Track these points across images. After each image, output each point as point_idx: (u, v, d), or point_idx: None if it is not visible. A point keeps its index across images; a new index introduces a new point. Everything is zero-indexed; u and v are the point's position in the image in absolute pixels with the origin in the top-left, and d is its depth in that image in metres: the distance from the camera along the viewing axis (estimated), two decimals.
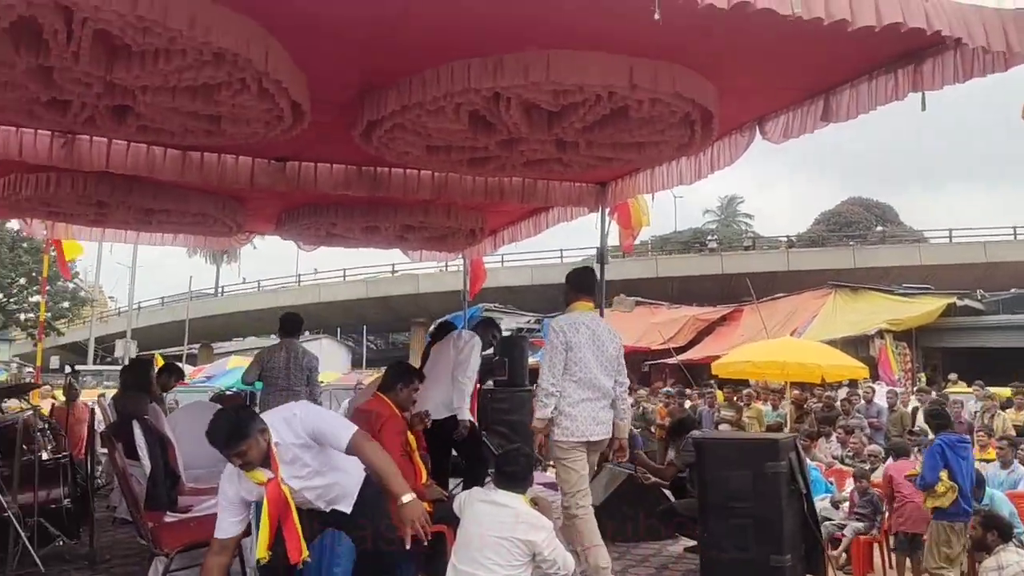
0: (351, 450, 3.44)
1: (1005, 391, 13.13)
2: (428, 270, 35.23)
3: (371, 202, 7.47)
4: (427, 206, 7.63)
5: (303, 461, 3.46)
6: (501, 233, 9.42)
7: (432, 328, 6.77)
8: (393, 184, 6.76)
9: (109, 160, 5.83)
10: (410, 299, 36.53)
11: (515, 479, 3.78)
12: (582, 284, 5.22)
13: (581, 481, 4.59)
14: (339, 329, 40.60)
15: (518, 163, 5.71)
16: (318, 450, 3.49)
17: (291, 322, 7.84)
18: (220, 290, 47.94)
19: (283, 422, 3.45)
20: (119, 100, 4.36)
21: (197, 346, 36.22)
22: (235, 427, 3.32)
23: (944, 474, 5.77)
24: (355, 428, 3.47)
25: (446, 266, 28.09)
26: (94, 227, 8.43)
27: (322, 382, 20.54)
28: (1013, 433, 9.96)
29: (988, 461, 8.58)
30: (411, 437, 4.52)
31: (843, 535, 7.55)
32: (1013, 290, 23.81)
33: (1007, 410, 11.80)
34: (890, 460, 7.95)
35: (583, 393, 4.64)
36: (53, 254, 14.28)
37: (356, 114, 4.91)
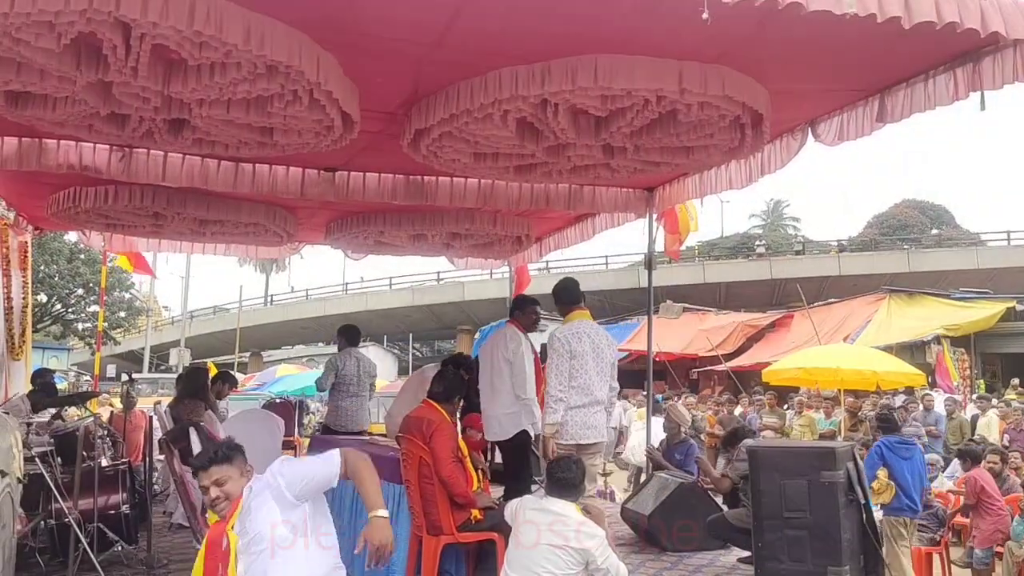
0: (344, 470, 3.20)
1: None
2: (473, 278, 35.36)
3: (418, 210, 7.52)
4: (473, 214, 7.66)
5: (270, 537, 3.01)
6: (547, 240, 9.40)
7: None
8: (440, 192, 6.80)
9: (165, 172, 5.98)
10: (455, 307, 36.69)
11: (568, 487, 3.75)
12: (573, 295, 5.39)
13: None
14: (385, 337, 40.93)
15: (565, 169, 5.69)
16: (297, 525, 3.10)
17: (352, 332, 7.99)
18: (269, 299, 48.74)
19: (269, 491, 3.10)
20: (175, 113, 4.46)
21: (248, 354, 36.85)
22: (223, 450, 3.14)
23: (883, 473, 6.31)
24: (339, 450, 3.23)
25: (491, 274, 28.16)
26: (150, 238, 8.64)
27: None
28: None
29: None
30: (463, 443, 4.52)
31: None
32: None
33: None
34: (961, 468, 7.78)
35: (580, 399, 4.82)
36: (111, 264, 14.65)
37: (404, 123, 4.95)
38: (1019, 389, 13.95)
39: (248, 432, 5.84)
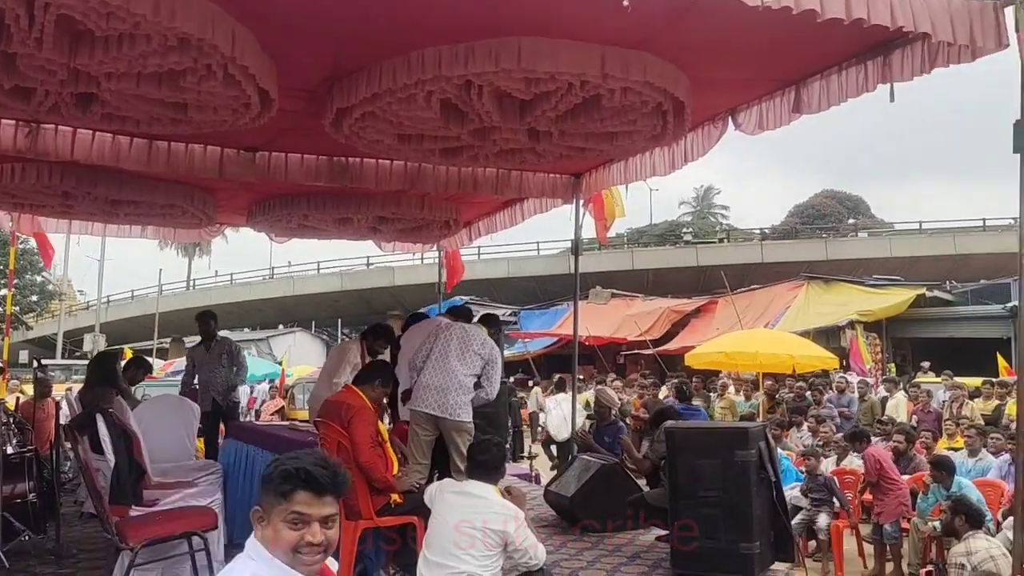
0: None
1: (975, 381, 13.32)
2: (404, 263, 35.08)
3: (343, 193, 7.40)
4: (400, 197, 7.59)
5: None
6: (476, 225, 9.39)
7: (407, 319, 6.61)
8: (365, 175, 6.71)
9: (74, 149, 5.74)
10: (385, 292, 36.37)
11: (487, 469, 3.77)
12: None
13: None
14: (313, 323, 40.33)
15: (491, 153, 5.68)
16: None
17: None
18: (191, 283, 47.43)
19: None
20: (83, 87, 4.29)
21: (168, 340, 35.80)
22: (343, 474, 1.99)
23: None
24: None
25: (422, 258, 27.99)
26: (61, 218, 8.29)
27: (291, 375, 20.40)
28: (981, 422, 10.10)
29: (956, 450, 8.71)
30: (382, 427, 4.48)
31: (819, 527, 7.64)
32: (982, 281, 24.14)
33: (975, 400, 11.97)
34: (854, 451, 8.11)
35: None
36: (20, 247, 13.99)
37: (326, 102, 4.86)
38: (946, 374, 14.62)
39: (160, 420, 5.69)
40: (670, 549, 4.84)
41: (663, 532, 5.38)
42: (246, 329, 37.41)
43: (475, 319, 6.18)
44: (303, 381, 17.34)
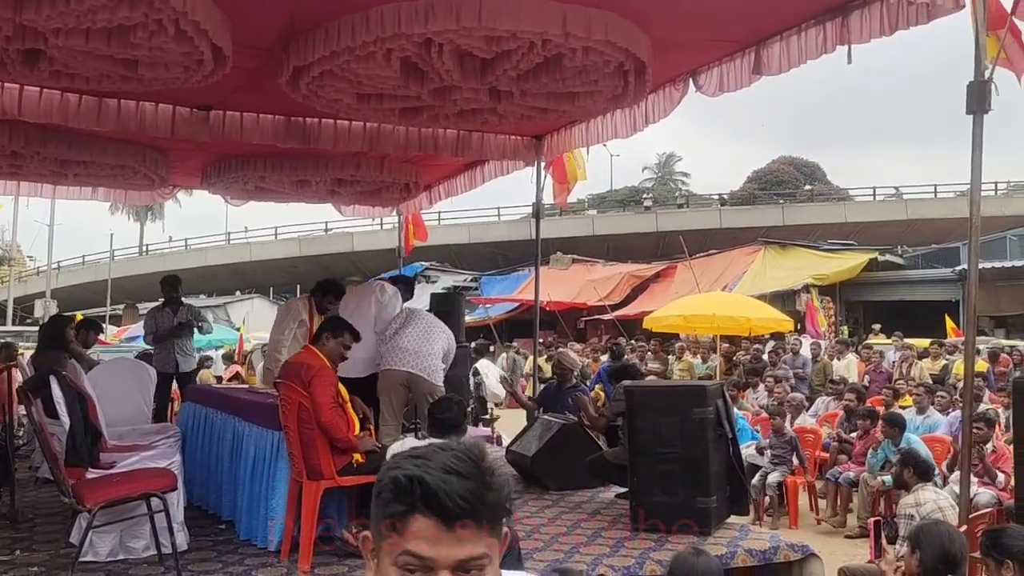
0: None
1: (923, 342, 13.71)
2: (363, 228, 34.75)
3: (301, 154, 7.28)
4: (359, 159, 7.48)
5: None
6: (436, 188, 9.31)
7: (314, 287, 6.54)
8: (323, 135, 6.60)
9: (21, 108, 5.55)
10: (344, 258, 36.02)
11: (447, 427, 3.78)
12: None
13: None
14: (271, 288, 39.87)
15: (452, 113, 5.62)
16: None
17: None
18: (144, 249, 46.45)
19: None
20: (30, 43, 4.15)
21: (121, 306, 35.11)
22: (492, 494, 1.20)
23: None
24: None
25: (381, 224, 27.77)
26: (8, 180, 8.03)
27: (249, 341, 20.17)
28: (930, 381, 10.42)
29: (905, 408, 8.98)
30: (343, 388, 4.46)
31: (769, 484, 7.85)
32: (932, 245, 24.74)
33: (923, 360, 12.33)
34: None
35: None
36: None
37: (282, 60, 4.75)
38: (896, 335, 15.02)
39: (115, 383, 5.61)
40: (629, 505, 4.93)
41: (623, 490, 5.47)
42: (202, 296, 36.80)
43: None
44: (260, 346, 17.13)
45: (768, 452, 8.02)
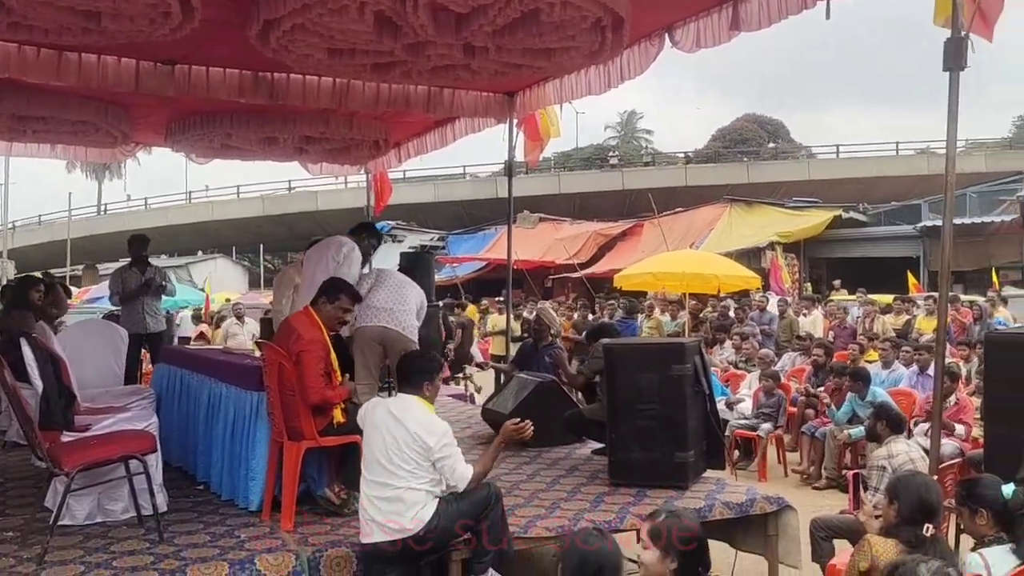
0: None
1: (886, 298, 13.99)
2: (327, 187, 34.31)
3: (269, 111, 7.12)
4: (328, 116, 7.33)
5: None
6: (406, 145, 9.18)
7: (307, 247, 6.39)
8: (292, 91, 6.45)
9: None
10: (309, 217, 35.57)
11: (416, 382, 3.77)
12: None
13: None
14: (234, 248, 39.31)
15: (424, 69, 5.51)
16: None
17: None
18: (103, 208, 45.38)
19: None
20: None
21: (81, 267, 34.38)
22: None
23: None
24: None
25: (346, 182, 27.40)
26: None
27: (215, 301, 19.89)
28: (893, 336, 10.65)
29: (871, 362, 9.19)
30: (334, 358, 4.41)
31: (759, 436, 8.06)
32: (893, 203, 25.14)
33: (886, 315, 12.59)
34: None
35: None
36: None
37: (252, 12, 4.59)
38: (860, 291, 15.31)
39: (86, 345, 5.51)
40: (608, 460, 4.99)
41: (600, 445, 5.54)
42: (164, 256, 36.20)
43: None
44: (224, 309, 16.93)
45: (739, 408, 8.20)
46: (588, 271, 22.05)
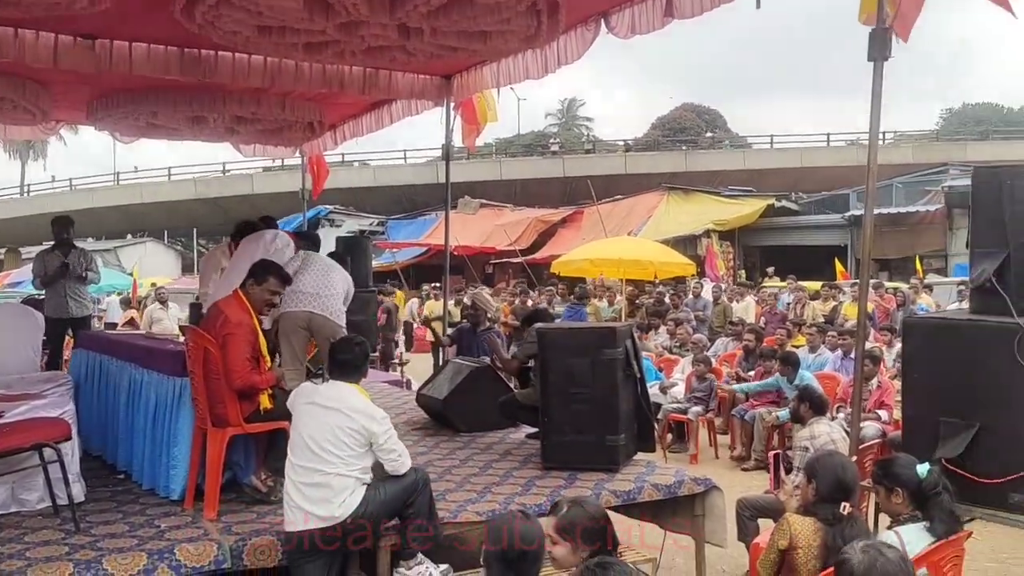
0: None
1: (815, 285, 14.38)
2: (263, 169, 33.57)
3: (197, 89, 6.89)
4: (260, 95, 7.15)
5: None
6: (342, 128, 9.02)
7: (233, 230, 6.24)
8: (221, 69, 6.26)
9: None
10: (245, 200, 34.78)
11: (349, 368, 3.72)
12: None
13: None
14: (166, 232, 38.26)
15: (359, 50, 5.42)
16: None
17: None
18: (25, 189, 43.62)
19: None
20: None
21: (2, 251, 33.05)
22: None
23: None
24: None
25: (283, 164, 26.85)
26: None
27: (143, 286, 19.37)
28: (821, 321, 10.95)
29: (798, 347, 9.43)
30: (263, 342, 4.31)
31: (690, 419, 8.22)
32: (824, 192, 25.81)
33: (815, 301, 12.94)
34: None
35: None
36: None
37: None
38: (790, 278, 15.70)
39: (1, 330, 5.28)
40: (540, 444, 5.01)
41: (534, 430, 5.55)
42: (90, 239, 35.03)
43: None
44: (163, 289, 16.48)
45: (672, 392, 8.33)
46: (529, 257, 22.12)
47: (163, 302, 12.68)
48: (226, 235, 6.57)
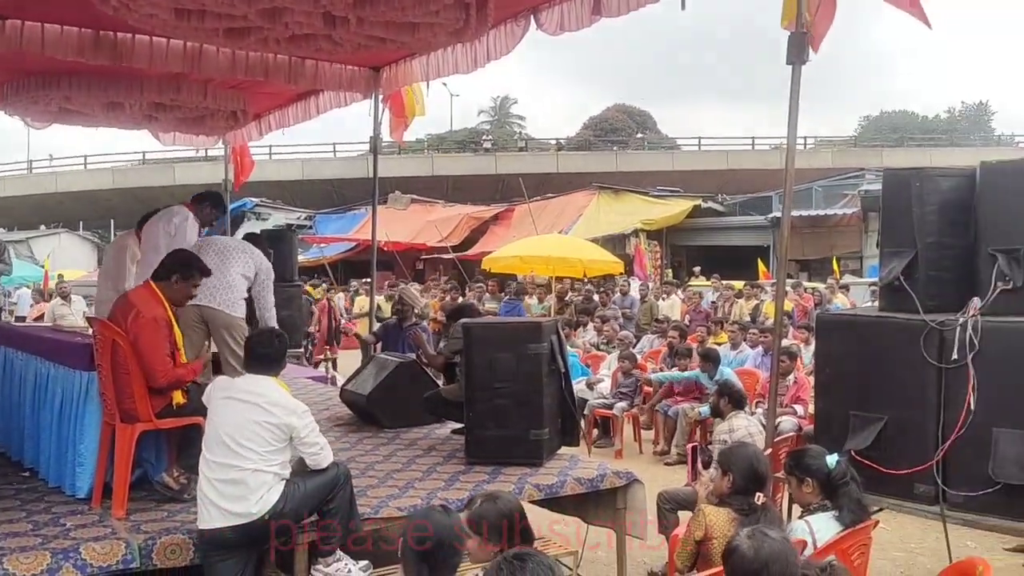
0: None
1: (738, 284, 14.75)
2: (185, 159, 32.64)
3: (113, 74, 6.64)
4: (179, 81, 6.92)
5: None
6: (267, 118, 8.84)
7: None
8: (138, 53, 6.06)
9: None
10: (165, 192, 33.67)
11: (268, 362, 3.63)
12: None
13: None
14: (81, 223, 36.84)
15: (283, 38, 5.29)
16: None
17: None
18: None
19: None
20: None
21: None
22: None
23: None
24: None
25: (206, 155, 26.15)
26: None
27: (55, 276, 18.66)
28: (748, 319, 11.24)
29: (721, 344, 9.65)
30: (178, 334, 4.16)
31: (615, 414, 8.31)
32: (749, 194, 26.50)
33: (741, 300, 13.27)
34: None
35: None
36: None
37: None
38: (714, 277, 16.04)
39: None
40: (464, 440, 4.99)
41: (459, 425, 5.53)
42: (1, 229, 33.52)
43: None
44: (70, 285, 15.88)
45: (598, 388, 8.41)
46: (460, 254, 22.08)
47: (65, 297, 12.14)
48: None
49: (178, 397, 3.98)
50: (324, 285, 17.58)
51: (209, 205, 5.59)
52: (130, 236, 5.92)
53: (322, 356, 11.38)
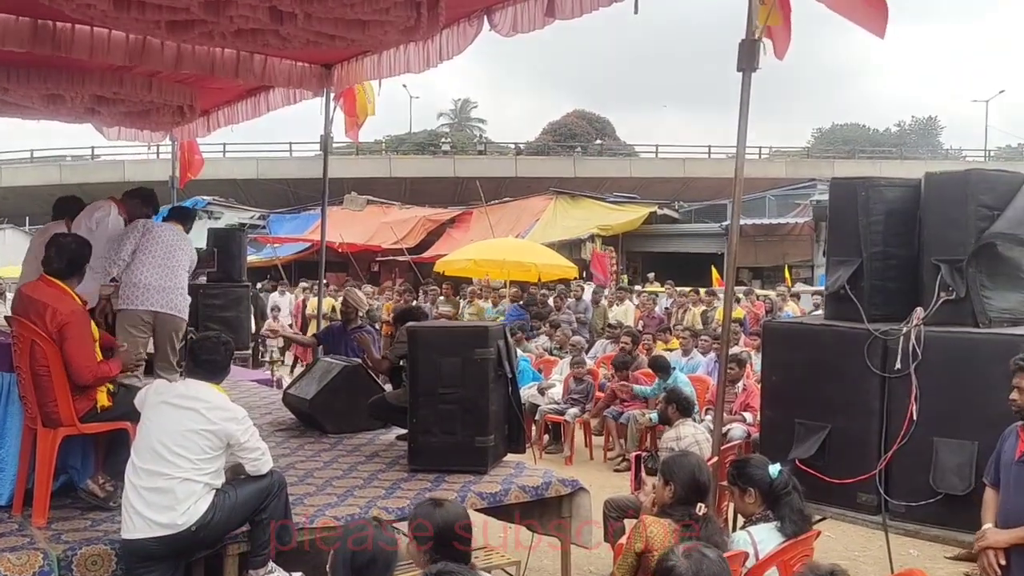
0: None
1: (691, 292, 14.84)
2: (135, 156, 31.93)
3: (52, 65, 6.41)
4: (122, 75, 6.72)
5: None
6: (216, 114, 8.63)
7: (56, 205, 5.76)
8: (78, 44, 5.84)
9: None
10: (115, 188, 32.70)
11: (213, 369, 3.50)
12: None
13: None
14: (27, 219, 35.77)
15: (228, 32, 5.13)
16: None
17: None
18: None
19: None
20: None
21: None
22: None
23: None
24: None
25: (157, 152, 25.55)
26: None
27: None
28: (701, 326, 11.29)
29: (672, 351, 9.67)
30: (95, 327, 3.98)
31: (566, 420, 8.25)
32: (704, 202, 26.78)
33: (696, 307, 13.34)
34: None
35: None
36: None
37: None
38: (668, 284, 16.12)
39: None
40: (407, 446, 4.89)
41: (404, 431, 5.42)
42: None
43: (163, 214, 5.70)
44: (11, 283, 15.36)
45: (549, 394, 8.36)
46: (416, 256, 21.90)
47: (2, 295, 11.73)
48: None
49: (103, 400, 3.81)
50: (304, 284, 17.32)
51: (140, 202, 5.41)
52: (57, 224, 5.66)
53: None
